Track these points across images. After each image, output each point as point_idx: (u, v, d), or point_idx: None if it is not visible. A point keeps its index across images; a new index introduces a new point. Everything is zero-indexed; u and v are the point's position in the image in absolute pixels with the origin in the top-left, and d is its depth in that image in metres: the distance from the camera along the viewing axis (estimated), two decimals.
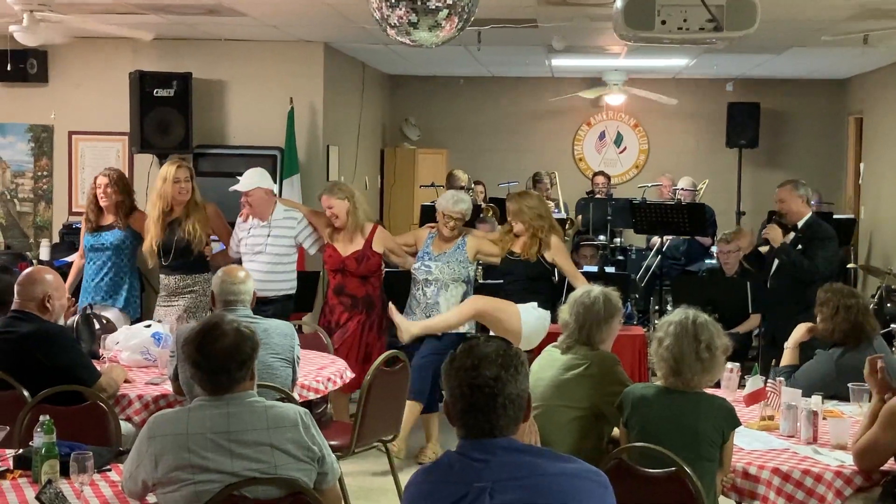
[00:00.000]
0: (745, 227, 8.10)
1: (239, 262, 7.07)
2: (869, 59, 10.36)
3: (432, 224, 7.21)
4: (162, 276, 7.05)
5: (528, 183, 11.90)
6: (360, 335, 6.96)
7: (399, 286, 7.42)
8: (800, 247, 7.12)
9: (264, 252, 7.01)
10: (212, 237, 7.18)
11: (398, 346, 6.67)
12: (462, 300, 6.93)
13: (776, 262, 7.32)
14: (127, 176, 7.83)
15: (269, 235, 7.03)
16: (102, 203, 7.10)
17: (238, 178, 7.63)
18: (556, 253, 6.98)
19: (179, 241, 6.89)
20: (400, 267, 7.36)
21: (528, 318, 6.79)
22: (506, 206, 7.08)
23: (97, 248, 7.13)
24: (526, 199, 7.06)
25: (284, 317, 6.99)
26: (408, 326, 6.71)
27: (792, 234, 7.23)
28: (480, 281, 8.12)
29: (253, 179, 7.06)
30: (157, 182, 7.05)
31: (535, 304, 6.87)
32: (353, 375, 6.18)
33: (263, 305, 6.85)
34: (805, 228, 7.22)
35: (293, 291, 7.19)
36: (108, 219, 7.15)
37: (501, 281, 7.16)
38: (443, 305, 6.91)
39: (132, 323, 6.84)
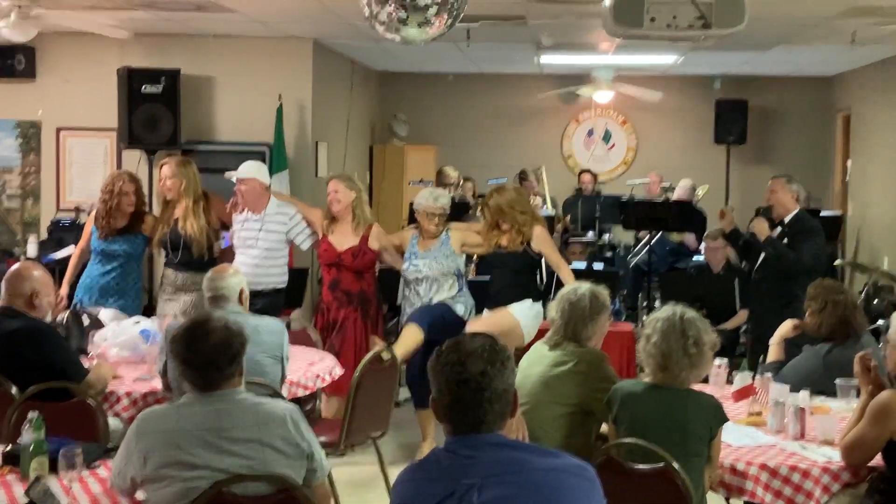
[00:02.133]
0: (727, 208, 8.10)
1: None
2: (856, 56, 10.39)
3: (416, 225, 7.21)
4: (168, 271, 7.05)
5: (514, 180, 11.91)
6: (364, 335, 6.95)
7: (388, 281, 7.45)
8: (785, 240, 7.16)
9: (255, 246, 7.01)
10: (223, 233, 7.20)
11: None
12: (457, 292, 6.96)
13: (762, 255, 7.35)
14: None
15: (260, 230, 7.03)
16: (129, 210, 6.99)
17: (226, 172, 7.63)
18: (541, 243, 6.92)
19: (184, 239, 6.91)
20: (394, 266, 7.38)
21: (526, 321, 6.82)
22: (486, 203, 7.08)
23: (108, 254, 7.00)
24: (504, 194, 7.01)
25: (275, 311, 7.02)
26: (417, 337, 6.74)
27: (779, 229, 7.26)
28: (470, 277, 8.16)
29: (251, 169, 7.10)
30: None
31: (529, 301, 6.88)
32: (343, 372, 6.17)
33: (253, 298, 6.87)
34: (791, 223, 7.25)
35: (284, 286, 7.19)
36: (121, 222, 7.02)
37: (488, 277, 7.18)
38: (437, 301, 6.92)
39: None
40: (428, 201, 7.02)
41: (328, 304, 7.04)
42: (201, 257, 6.90)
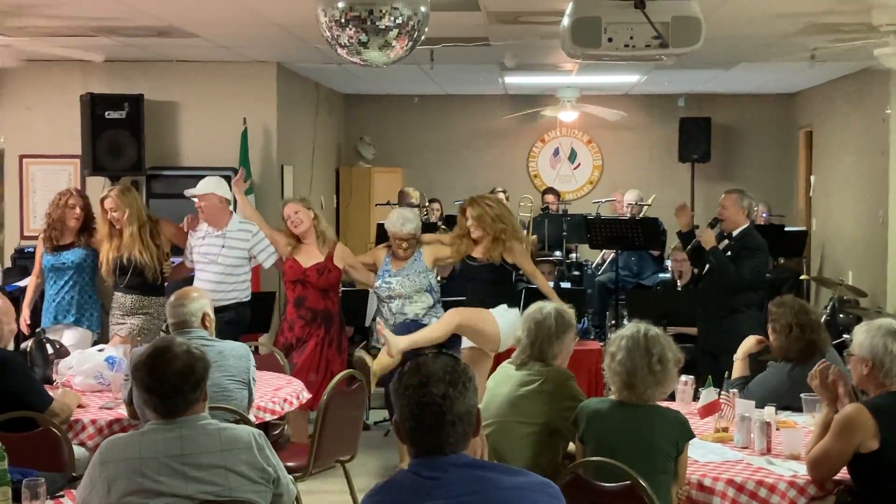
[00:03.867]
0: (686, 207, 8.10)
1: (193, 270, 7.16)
2: (817, 73, 10.51)
3: (388, 244, 7.21)
4: (118, 294, 7.04)
5: None
6: (321, 351, 6.94)
7: (355, 304, 7.43)
8: (729, 253, 7.26)
9: (216, 262, 7.03)
10: (171, 257, 7.19)
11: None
12: (430, 308, 6.95)
13: (706, 266, 7.43)
14: None
15: (223, 246, 7.04)
16: (72, 224, 7.03)
17: (185, 191, 7.63)
18: (518, 256, 6.94)
19: (135, 265, 6.89)
20: (362, 283, 7.38)
21: (503, 322, 6.78)
22: (465, 210, 7.06)
23: (58, 268, 7.05)
24: (486, 202, 7.02)
25: (242, 323, 7.13)
26: (396, 342, 6.50)
27: (725, 241, 7.34)
28: (445, 298, 8.14)
29: (209, 185, 7.14)
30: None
31: (505, 305, 6.87)
32: (310, 396, 6.16)
33: (219, 312, 6.88)
34: (738, 238, 7.34)
35: (248, 299, 7.20)
36: (69, 238, 7.08)
37: (464, 298, 7.18)
38: (410, 316, 6.92)
39: (96, 342, 6.88)
40: (395, 226, 7.01)
41: (292, 322, 7.02)
42: (155, 281, 6.92)
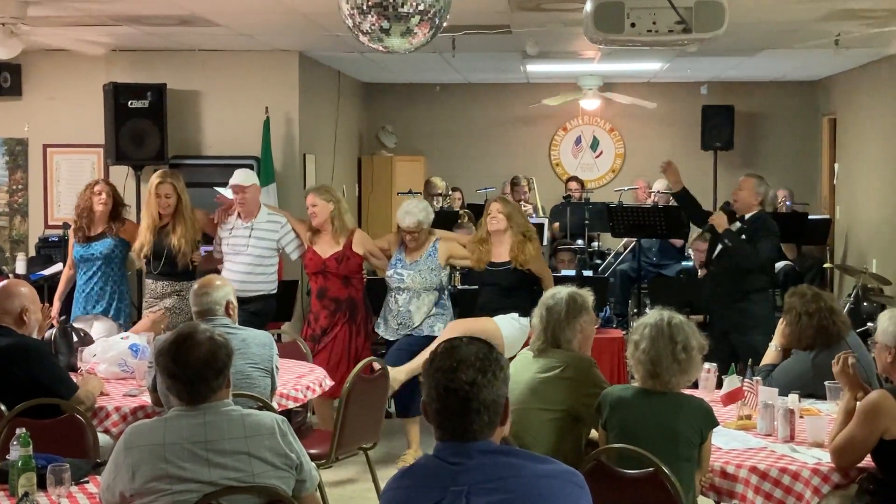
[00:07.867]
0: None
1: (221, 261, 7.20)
2: (841, 60, 10.44)
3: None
4: (149, 280, 7.10)
5: (505, 186, 11.93)
6: (349, 340, 6.97)
7: (383, 291, 7.45)
8: (744, 237, 7.20)
9: (245, 253, 7.08)
10: (202, 246, 7.22)
11: (381, 354, 6.77)
12: (433, 307, 6.94)
13: (717, 248, 7.37)
14: None
15: (250, 237, 7.08)
16: (99, 209, 7.06)
17: (216, 188, 7.64)
18: (532, 260, 6.94)
19: (169, 250, 6.93)
20: (382, 270, 7.40)
21: (510, 330, 6.77)
22: (489, 206, 7.11)
23: (87, 259, 7.11)
24: (513, 203, 7.08)
25: (267, 315, 7.18)
26: (395, 374, 6.42)
27: (738, 224, 7.28)
28: (459, 287, 8.14)
29: (251, 176, 7.20)
30: (146, 193, 7.09)
31: (516, 314, 6.82)
32: (333, 383, 6.17)
33: (244, 304, 6.91)
34: (751, 221, 7.28)
35: (274, 291, 7.26)
36: (99, 228, 7.13)
37: (476, 287, 7.16)
38: (414, 313, 6.95)
39: (124, 331, 6.91)
40: (399, 219, 7.04)
41: (317, 314, 7.07)
42: (185, 269, 6.95)
